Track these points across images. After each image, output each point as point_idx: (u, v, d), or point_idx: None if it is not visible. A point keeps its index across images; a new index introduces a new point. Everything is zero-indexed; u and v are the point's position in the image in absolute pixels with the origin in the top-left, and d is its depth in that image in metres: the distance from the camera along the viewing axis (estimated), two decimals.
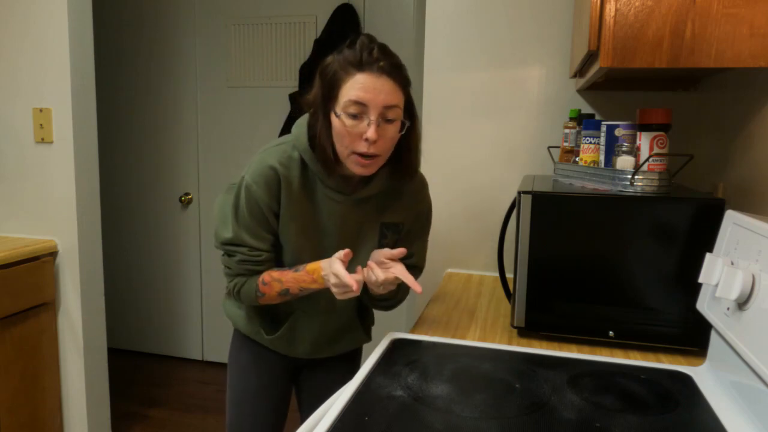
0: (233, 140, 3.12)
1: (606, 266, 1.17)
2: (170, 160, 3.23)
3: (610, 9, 1.06)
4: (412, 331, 1.28)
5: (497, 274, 1.82)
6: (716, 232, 1.04)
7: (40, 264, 1.97)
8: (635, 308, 1.17)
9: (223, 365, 3.25)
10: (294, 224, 1.17)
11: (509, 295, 1.39)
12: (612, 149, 1.32)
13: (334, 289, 1.10)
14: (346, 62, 1.06)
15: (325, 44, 2.81)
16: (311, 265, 1.15)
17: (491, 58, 1.81)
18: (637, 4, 1.04)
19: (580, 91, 1.75)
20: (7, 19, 1.99)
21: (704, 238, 1.10)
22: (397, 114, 1.08)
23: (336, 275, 1.06)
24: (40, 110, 1.99)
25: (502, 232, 1.41)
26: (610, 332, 1.19)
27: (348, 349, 1.37)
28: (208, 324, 3.31)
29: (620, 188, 1.21)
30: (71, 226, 2.02)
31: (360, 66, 1.05)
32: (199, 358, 3.35)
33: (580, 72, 1.49)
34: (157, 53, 3.16)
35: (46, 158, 2.02)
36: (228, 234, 1.18)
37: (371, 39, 1.08)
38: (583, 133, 1.44)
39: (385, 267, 1.12)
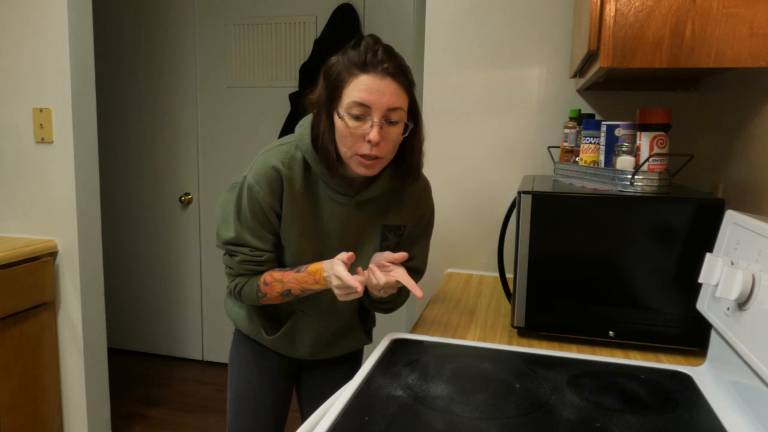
0: (233, 140, 3.12)
1: (606, 266, 1.17)
2: (170, 160, 3.23)
3: (610, 9, 1.05)
4: (412, 331, 1.28)
5: (497, 274, 1.83)
6: (716, 232, 1.04)
7: (40, 264, 1.97)
8: (635, 308, 1.17)
9: (223, 365, 3.25)
10: (296, 225, 1.16)
11: (509, 295, 1.39)
12: (612, 149, 1.32)
13: (336, 291, 1.09)
14: (350, 63, 1.05)
15: (325, 44, 2.81)
16: (313, 266, 1.15)
17: (491, 58, 1.81)
18: (637, 4, 1.04)
19: (580, 91, 1.75)
20: (7, 19, 1.99)
21: (704, 238, 1.10)
22: (401, 116, 1.07)
23: (338, 277, 1.06)
24: (40, 110, 1.99)
25: (502, 232, 1.41)
26: (610, 332, 1.19)
27: (348, 351, 1.37)
28: (208, 324, 3.31)
29: (620, 188, 1.21)
30: (71, 226, 2.02)
31: (364, 67, 1.04)
32: (199, 358, 3.35)
33: (580, 72, 1.49)
34: (157, 53, 3.16)
35: (46, 158, 2.02)
36: (230, 234, 1.18)
37: (376, 40, 1.07)
38: (583, 133, 1.44)
39: (385, 270, 1.11)
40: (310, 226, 1.18)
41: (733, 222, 0.98)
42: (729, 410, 0.89)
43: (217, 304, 3.26)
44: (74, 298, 2.06)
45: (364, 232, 1.21)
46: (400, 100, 1.06)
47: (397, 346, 1.15)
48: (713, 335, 1.04)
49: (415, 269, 1.27)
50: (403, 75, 1.07)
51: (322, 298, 1.23)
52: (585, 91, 1.74)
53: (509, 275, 1.35)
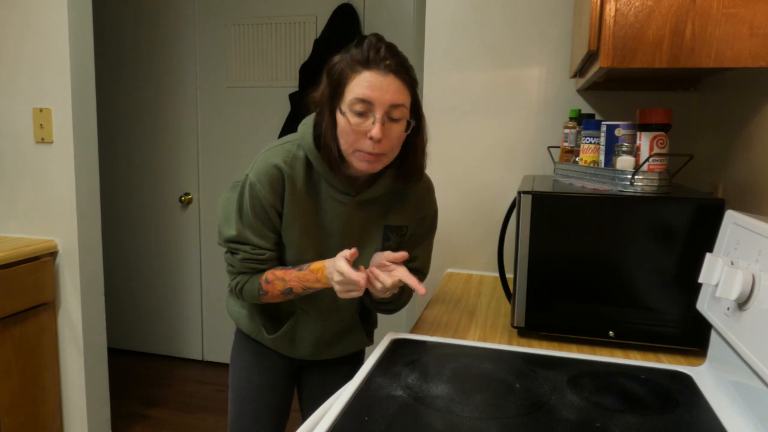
0: (233, 140, 3.12)
1: (606, 266, 1.17)
2: (170, 160, 3.23)
3: (610, 9, 1.05)
4: (412, 331, 1.28)
5: (497, 274, 1.83)
6: (716, 232, 1.04)
7: (40, 264, 1.97)
8: (635, 308, 1.17)
9: (223, 365, 3.25)
10: (297, 224, 1.16)
11: (509, 295, 1.39)
12: (612, 149, 1.32)
13: (337, 287, 1.09)
14: (353, 60, 1.05)
15: (325, 44, 2.81)
16: (315, 264, 1.15)
17: (491, 58, 1.81)
18: (637, 4, 1.04)
19: (580, 91, 1.75)
20: (7, 19, 1.99)
21: (704, 238, 1.10)
22: (403, 113, 1.07)
23: (340, 272, 1.05)
24: (40, 110, 1.99)
25: (502, 232, 1.41)
26: (610, 332, 1.19)
27: (349, 352, 1.37)
28: (208, 324, 3.31)
29: (620, 188, 1.21)
30: (71, 226, 2.02)
31: (367, 64, 1.04)
32: (199, 358, 3.35)
33: (580, 72, 1.49)
34: (157, 53, 3.16)
35: (46, 158, 2.02)
36: (231, 232, 1.18)
37: (379, 38, 1.07)
38: (583, 133, 1.44)
39: (387, 270, 1.11)
40: (312, 225, 1.18)
41: (733, 222, 0.98)
42: (729, 410, 0.89)
43: (217, 304, 3.26)
44: (74, 298, 2.06)
45: (366, 231, 1.21)
46: (403, 97, 1.06)
47: (397, 346, 1.15)
48: (713, 335, 1.04)
49: (418, 270, 1.27)
50: (405, 72, 1.06)
51: (324, 297, 1.23)
52: (585, 91, 1.74)
53: (509, 275, 1.35)
